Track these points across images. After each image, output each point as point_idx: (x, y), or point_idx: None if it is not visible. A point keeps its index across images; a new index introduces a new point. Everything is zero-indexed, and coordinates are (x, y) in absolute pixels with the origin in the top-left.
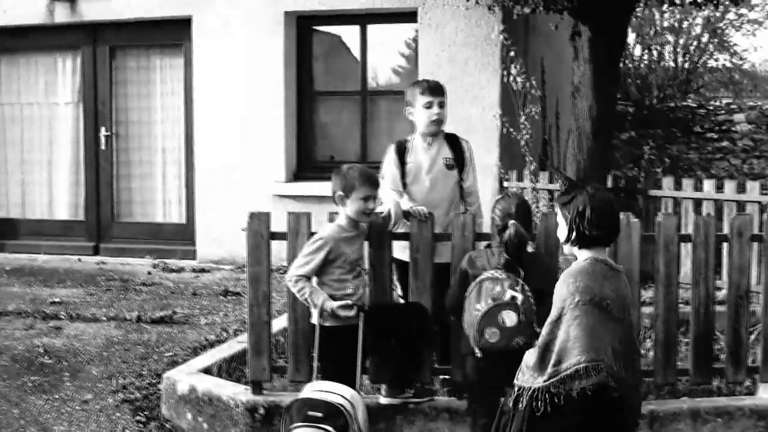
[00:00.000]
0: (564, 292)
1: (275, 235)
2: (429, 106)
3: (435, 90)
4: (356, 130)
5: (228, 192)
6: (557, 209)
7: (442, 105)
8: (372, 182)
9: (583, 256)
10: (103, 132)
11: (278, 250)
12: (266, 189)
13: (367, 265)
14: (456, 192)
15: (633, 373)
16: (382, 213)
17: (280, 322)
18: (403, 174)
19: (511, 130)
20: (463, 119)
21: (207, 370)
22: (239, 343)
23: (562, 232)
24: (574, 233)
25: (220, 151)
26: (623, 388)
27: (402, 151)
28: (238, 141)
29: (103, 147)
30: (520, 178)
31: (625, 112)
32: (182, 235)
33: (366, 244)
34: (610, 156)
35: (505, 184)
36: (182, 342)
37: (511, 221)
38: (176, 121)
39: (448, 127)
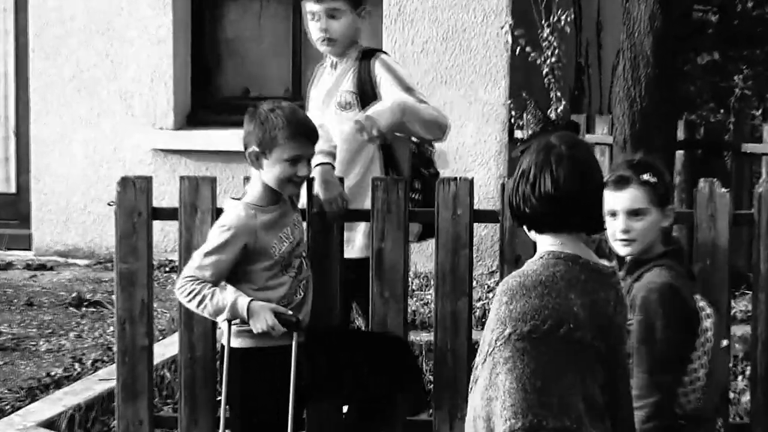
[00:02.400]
0: (492, 318)
1: (160, 213)
2: (312, 17)
3: None
4: (285, 48)
5: (83, 145)
6: None
7: (332, 15)
8: (306, 134)
9: (542, 247)
10: None
11: (161, 237)
12: (144, 140)
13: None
14: (369, 147)
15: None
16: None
17: (166, 348)
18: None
19: (529, 49)
20: (453, 32)
21: (51, 424)
22: (102, 380)
23: None
24: (514, 209)
25: (71, 82)
26: None
27: (315, 77)
28: (99, 66)
29: None
30: (540, 124)
31: (705, 22)
32: (9, 213)
33: (304, 225)
34: (681, 90)
35: (518, 133)
36: (10, 379)
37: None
38: None
39: (422, 48)
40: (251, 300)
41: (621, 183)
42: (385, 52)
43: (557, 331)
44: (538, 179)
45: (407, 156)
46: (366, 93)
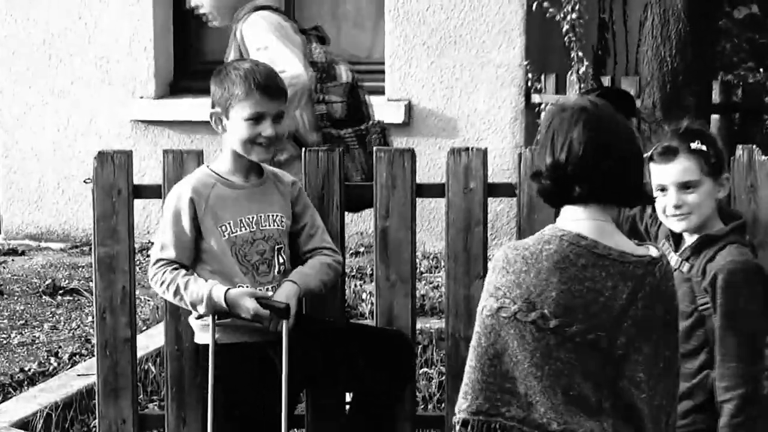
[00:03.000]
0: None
1: (142, 191)
2: None
3: None
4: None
5: (56, 117)
6: None
7: None
8: (265, 90)
9: (558, 220)
10: None
11: (143, 217)
12: (123, 111)
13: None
14: None
15: None
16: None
17: (150, 340)
18: None
19: (547, 4)
20: None
21: (25, 425)
22: (80, 376)
23: None
24: (532, 180)
25: (41, 48)
26: None
27: None
28: (72, 30)
29: None
30: (559, 88)
31: None
32: None
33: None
34: (715, 48)
35: (536, 97)
36: None
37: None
38: None
39: (428, 4)
40: (228, 288)
41: (668, 154)
42: (265, 7)
43: (527, 314)
44: (545, 147)
45: (314, 124)
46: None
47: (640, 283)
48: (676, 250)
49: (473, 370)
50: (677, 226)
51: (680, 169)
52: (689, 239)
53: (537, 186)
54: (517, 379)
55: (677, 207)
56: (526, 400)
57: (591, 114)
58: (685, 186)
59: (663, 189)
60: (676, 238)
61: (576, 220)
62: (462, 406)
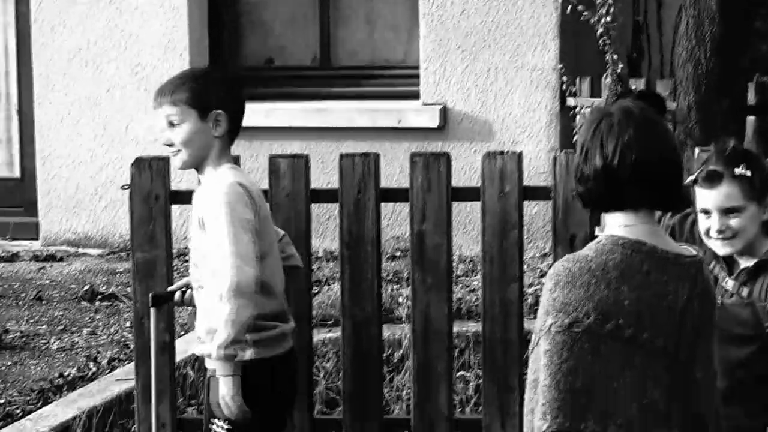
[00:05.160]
0: (541, 305)
1: (179, 196)
2: None
3: None
4: (311, 12)
5: (92, 124)
6: None
7: None
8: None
9: (607, 228)
10: None
11: (180, 222)
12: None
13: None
14: None
15: None
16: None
17: (189, 345)
18: None
19: (581, 8)
20: None
21: (65, 429)
22: (119, 381)
23: None
24: (576, 184)
25: (77, 55)
26: None
27: None
28: (107, 37)
29: None
30: (594, 91)
31: None
32: (14, 199)
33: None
34: (751, 50)
35: (571, 101)
36: (20, 380)
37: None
38: None
39: (462, 9)
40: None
41: (713, 179)
42: None
43: (602, 326)
44: (590, 152)
45: None
46: None
47: (694, 282)
48: (729, 273)
49: (548, 389)
50: (721, 249)
51: (724, 195)
52: (743, 262)
53: (581, 190)
54: (592, 393)
55: (720, 231)
56: (602, 414)
57: (639, 118)
58: (728, 211)
59: (707, 212)
60: (728, 260)
61: (628, 225)
62: (542, 427)
